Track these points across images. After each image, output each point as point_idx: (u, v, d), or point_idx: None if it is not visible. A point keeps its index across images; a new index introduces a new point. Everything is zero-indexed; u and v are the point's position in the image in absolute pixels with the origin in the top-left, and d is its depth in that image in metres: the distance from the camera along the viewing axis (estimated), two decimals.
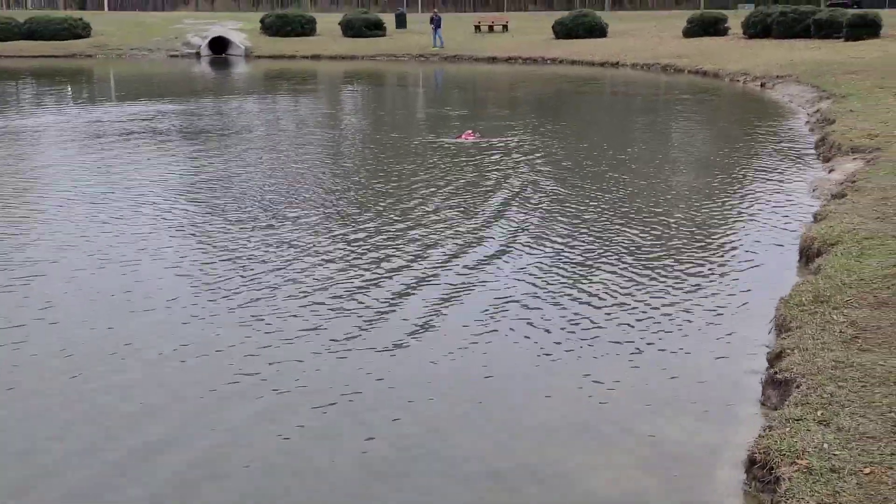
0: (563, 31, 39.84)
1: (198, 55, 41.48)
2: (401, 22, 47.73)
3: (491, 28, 46.19)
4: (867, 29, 28.07)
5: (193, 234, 7.99)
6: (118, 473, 3.91)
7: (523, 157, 11.96)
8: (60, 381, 4.87)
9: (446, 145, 12.95)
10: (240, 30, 45.29)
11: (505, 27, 46.12)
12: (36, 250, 7.43)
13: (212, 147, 13.43)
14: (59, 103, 21.65)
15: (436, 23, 39.28)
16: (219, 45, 42.46)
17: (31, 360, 5.15)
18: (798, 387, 4.15)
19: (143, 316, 5.87)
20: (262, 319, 5.75)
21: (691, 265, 6.89)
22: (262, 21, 45.87)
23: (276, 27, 44.47)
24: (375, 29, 44.17)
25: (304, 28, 44.76)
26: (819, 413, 3.81)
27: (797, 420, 3.78)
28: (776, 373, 4.44)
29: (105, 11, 66.17)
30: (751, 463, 3.67)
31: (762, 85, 22.06)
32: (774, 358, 4.69)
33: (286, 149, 13.43)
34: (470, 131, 13.73)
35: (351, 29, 43.87)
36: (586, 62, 32.89)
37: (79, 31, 42.96)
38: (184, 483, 3.85)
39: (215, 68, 36.30)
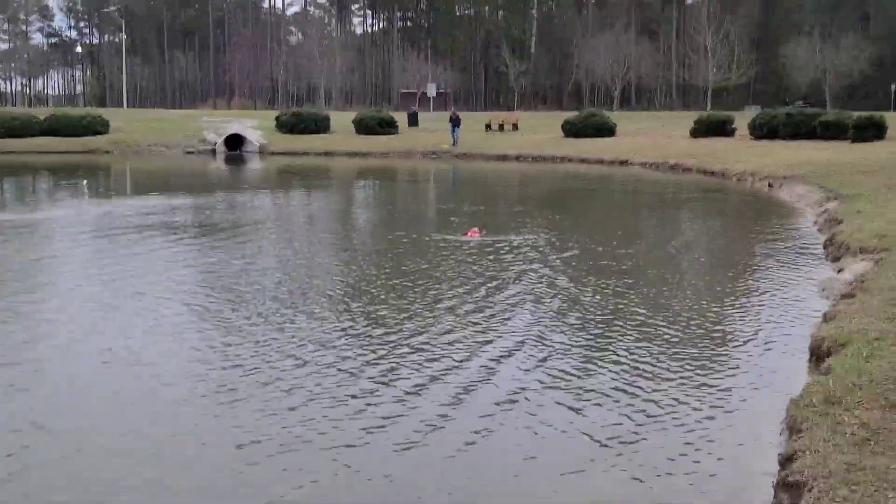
0: (573, 130, 40.65)
1: (213, 152, 42.39)
2: (413, 121, 48.87)
3: (501, 127, 47.22)
4: (874, 130, 28.55)
5: (203, 330, 8.01)
6: None
7: (530, 256, 12.01)
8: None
9: (453, 243, 12.96)
10: (255, 127, 46.41)
11: (515, 126, 47.15)
12: (42, 346, 7.46)
13: (224, 242, 13.57)
14: (75, 197, 22.03)
15: (454, 122, 40.19)
16: (234, 142, 43.43)
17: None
18: (810, 490, 4.07)
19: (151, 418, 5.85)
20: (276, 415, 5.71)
21: (700, 364, 6.84)
22: (277, 119, 47.03)
23: (290, 125, 45.56)
24: (388, 127, 45.21)
25: (318, 126, 45.83)
26: None
27: None
28: (788, 475, 4.36)
29: (124, 109, 67.99)
30: None
31: (769, 185, 22.31)
32: (786, 460, 4.61)
33: (298, 244, 13.59)
34: (475, 229, 13.81)
35: (364, 127, 44.90)
36: (595, 160, 33.45)
37: (98, 127, 44.05)
38: None
39: (230, 164, 37.01)
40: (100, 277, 10.41)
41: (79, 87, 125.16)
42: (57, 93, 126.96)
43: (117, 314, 8.50)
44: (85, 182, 26.86)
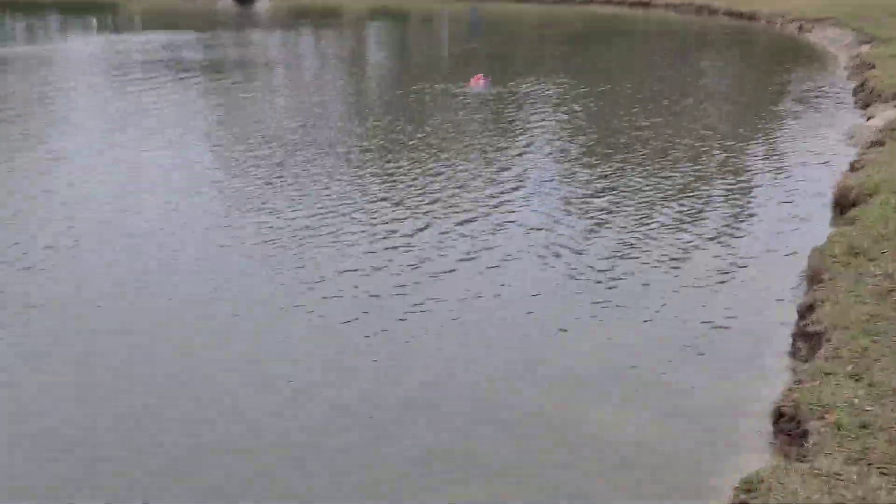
0: None
1: None
2: None
3: None
4: None
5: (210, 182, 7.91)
6: None
7: (541, 105, 11.65)
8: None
9: (458, 92, 12.38)
10: None
11: None
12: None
13: (232, 83, 13.26)
14: (86, 33, 21.48)
15: None
16: None
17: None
18: (829, 340, 4.03)
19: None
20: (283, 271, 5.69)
21: (723, 213, 6.73)
22: None
23: None
24: None
25: None
26: (850, 367, 3.69)
27: (827, 373, 3.66)
28: (807, 325, 4.32)
29: None
30: (779, 416, 3.58)
31: (800, 28, 21.38)
32: (805, 310, 4.56)
33: (303, 89, 13.27)
34: (480, 75, 13.13)
35: None
36: (617, 2, 32.07)
37: None
38: None
39: (240, 4, 35.76)
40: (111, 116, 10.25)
41: None
42: None
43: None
44: (94, 19, 26.11)
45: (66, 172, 7.96)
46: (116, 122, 10.27)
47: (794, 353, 4.32)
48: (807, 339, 4.26)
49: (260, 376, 4.29)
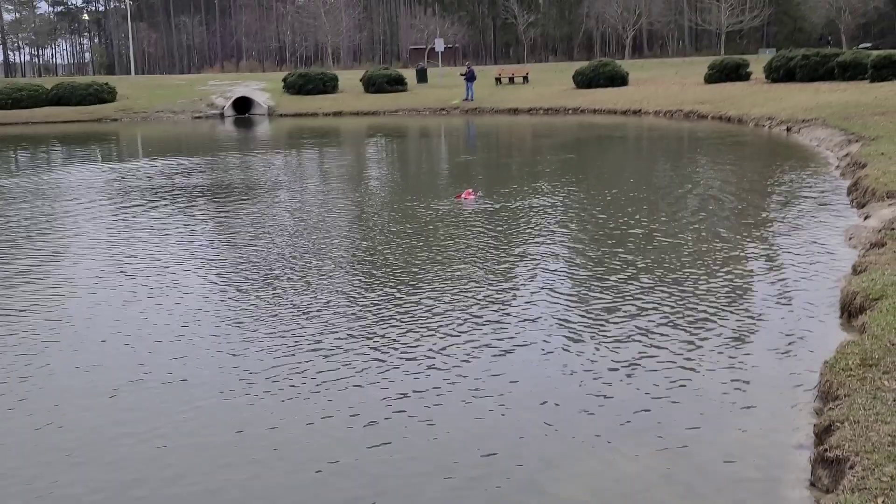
0: (584, 80, 39.88)
1: (221, 115, 41.95)
2: (421, 77, 48.15)
3: (512, 80, 46.43)
4: (893, 69, 27.68)
5: (213, 294, 7.73)
6: None
7: (535, 216, 11.63)
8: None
9: (454, 207, 12.24)
10: (263, 89, 45.85)
11: (525, 78, 46.34)
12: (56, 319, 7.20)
13: (232, 206, 13.27)
14: (86, 164, 21.76)
15: (469, 77, 39.40)
16: (242, 105, 42.94)
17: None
18: (852, 467, 3.74)
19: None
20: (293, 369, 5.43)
21: (724, 324, 6.47)
22: (284, 80, 46.39)
23: (298, 86, 44.94)
24: (397, 84, 44.52)
25: (326, 86, 45.20)
26: (880, 501, 3.39)
27: None
28: (826, 450, 4.02)
29: (132, 75, 67.42)
30: None
31: (788, 129, 21.72)
32: (823, 432, 4.28)
33: (304, 206, 13.27)
34: (469, 190, 12.98)
35: (372, 85, 44.25)
36: (608, 111, 32.81)
37: (104, 95, 43.67)
38: None
39: (239, 127, 36.60)
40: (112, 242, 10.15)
41: (87, 56, 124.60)
42: (66, 62, 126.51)
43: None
44: (98, 151, 26.54)
45: (69, 301, 7.79)
46: (118, 248, 10.20)
47: (814, 483, 4.00)
48: (827, 466, 3.96)
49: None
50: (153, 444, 4.78)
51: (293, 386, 5.54)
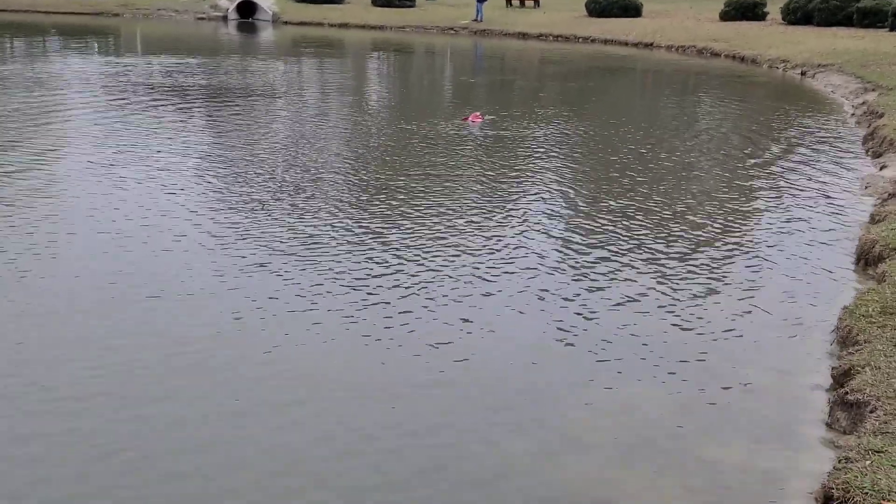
0: (597, 9, 39.00)
1: (225, 18, 41.00)
2: None
3: (523, 3, 45.38)
4: None
5: (206, 213, 7.64)
6: None
7: (535, 146, 11.45)
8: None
9: (456, 129, 12.12)
10: None
11: (537, 3, 45.30)
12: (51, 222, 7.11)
13: (231, 110, 13.04)
14: (85, 56, 21.30)
15: None
16: (246, 9, 41.93)
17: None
18: (873, 411, 3.74)
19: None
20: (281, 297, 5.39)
21: (739, 267, 6.44)
22: None
23: None
24: (405, 0, 43.46)
25: None
26: None
27: (878, 452, 3.37)
28: (846, 393, 4.02)
29: None
30: (826, 499, 3.27)
31: (803, 73, 21.37)
32: (842, 375, 4.28)
33: (303, 116, 13.06)
34: (476, 113, 12.88)
35: None
36: (619, 42, 32.17)
37: None
38: None
39: (242, 32, 35.83)
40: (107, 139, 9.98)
41: None
42: None
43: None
44: (96, 44, 25.97)
45: (65, 195, 7.69)
46: (116, 144, 10.05)
47: (832, 424, 4.02)
48: (847, 409, 3.96)
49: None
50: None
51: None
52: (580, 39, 33.92)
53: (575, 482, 3.54)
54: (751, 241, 7.11)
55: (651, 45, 30.99)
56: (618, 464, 3.71)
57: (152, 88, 15.20)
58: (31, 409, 4.06)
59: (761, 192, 8.93)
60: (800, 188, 9.15)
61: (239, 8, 41.73)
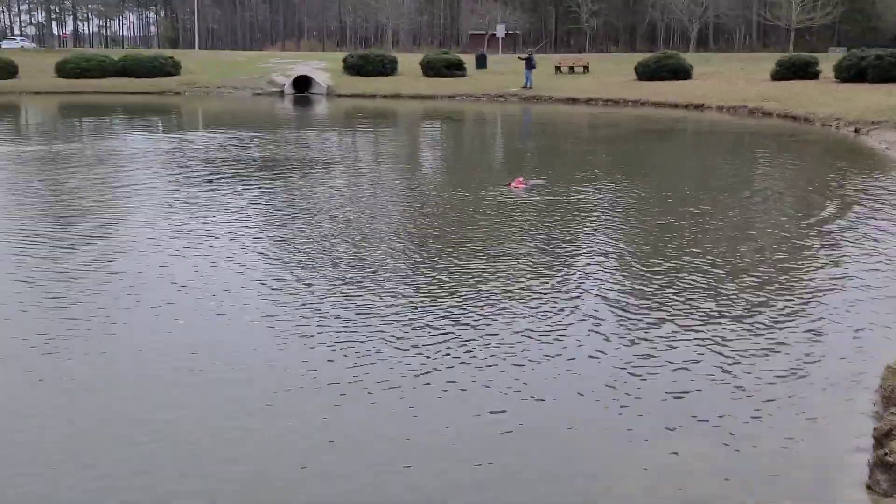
0: (646, 72, 39.33)
1: (281, 93, 42.33)
2: (481, 63, 47.97)
3: (572, 69, 46.04)
4: None
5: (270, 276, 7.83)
6: None
7: (586, 209, 11.49)
8: None
9: (498, 197, 12.03)
10: (323, 69, 46.14)
11: (586, 68, 45.91)
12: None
13: (286, 180, 13.41)
14: (149, 132, 22.19)
15: (529, 63, 39.22)
16: (302, 84, 43.26)
17: None
18: None
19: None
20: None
21: (788, 327, 6.34)
22: (344, 61, 46.61)
23: (358, 66, 45.13)
24: (455, 69, 44.45)
25: (386, 67, 45.30)
26: None
27: None
28: (886, 454, 3.92)
29: (196, 50, 68.39)
30: None
31: (856, 130, 21.14)
32: (883, 436, 4.17)
33: (356, 185, 13.35)
34: (520, 179, 12.88)
35: (431, 69, 44.23)
36: (669, 104, 32.28)
37: (169, 68, 44.42)
38: None
39: (297, 105, 36.92)
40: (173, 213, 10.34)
41: (153, 29, 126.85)
42: (132, 34, 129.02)
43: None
44: (160, 124, 27.02)
45: (133, 265, 7.96)
46: (179, 213, 10.47)
47: (872, 486, 3.91)
48: (887, 471, 3.86)
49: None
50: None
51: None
52: (630, 103, 34.14)
53: None
54: (801, 299, 7.01)
55: (702, 106, 31.02)
56: None
57: (210, 162, 15.72)
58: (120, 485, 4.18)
59: (817, 251, 8.80)
60: (852, 248, 8.99)
61: (294, 83, 43.10)
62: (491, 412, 4.82)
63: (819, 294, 7.17)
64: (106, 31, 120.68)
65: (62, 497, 3.98)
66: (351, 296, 7.02)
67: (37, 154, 17.15)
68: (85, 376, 5.36)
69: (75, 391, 5.14)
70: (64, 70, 43.14)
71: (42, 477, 4.14)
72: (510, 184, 12.78)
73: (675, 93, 33.84)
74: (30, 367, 5.49)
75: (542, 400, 5.01)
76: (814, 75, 35.31)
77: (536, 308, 6.69)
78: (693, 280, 7.51)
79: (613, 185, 13.06)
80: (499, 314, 6.52)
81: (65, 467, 4.22)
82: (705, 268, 7.94)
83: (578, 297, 7.04)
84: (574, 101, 35.93)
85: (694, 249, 8.70)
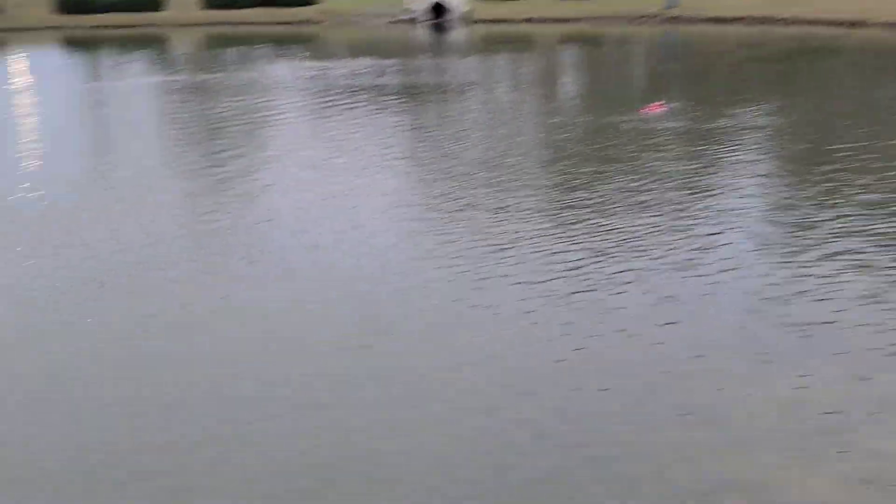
0: None
1: (417, 20, 42.21)
2: None
3: None
4: None
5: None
6: None
7: (727, 136, 10.83)
8: None
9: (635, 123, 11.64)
10: None
11: None
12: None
13: (423, 107, 13.48)
14: (293, 61, 22.71)
15: None
16: (437, 11, 42.95)
17: None
18: None
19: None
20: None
21: None
22: None
23: None
24: None
25: None
26: None
27: None
28: None
29: None
30: None
31: None
32: None
33: (493, 112, 13.26)
34: (657, 103, 12.35)
35: None
36: (824, 21, 30.12)
37: None
38: None
39: (433, 32, 36.80)
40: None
41: None
42: None
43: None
44: (306, 52, 27.55)
45: (274, 198, 8.27)
46: (322, 145, 10.71)
47: None
48: None
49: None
50: None
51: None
52: (781, 21, 32.11)
53: None
54: None
55: (863, 22, 28.77)
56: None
57: (353, 90, 15.96)
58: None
59: None
60: None
61: (430, 9, 42.82)
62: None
63: None
64: None
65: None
66: (500, 227, 7.02)
67: (203, 83, 17.91)
68: None
69: None
70: (208, 2, 44.41)
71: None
72: (643, 108, 12.26)
73: (832, 8, 31.44)
74: None
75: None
76: None
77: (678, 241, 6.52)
78: (850, 214, 7.09)
79: (763, 109, 12.37)
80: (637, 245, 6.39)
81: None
82: (865, 200, 7.45)
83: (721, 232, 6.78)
84: (720, 20, 34.05)
85: (856, 181, 8.18)
